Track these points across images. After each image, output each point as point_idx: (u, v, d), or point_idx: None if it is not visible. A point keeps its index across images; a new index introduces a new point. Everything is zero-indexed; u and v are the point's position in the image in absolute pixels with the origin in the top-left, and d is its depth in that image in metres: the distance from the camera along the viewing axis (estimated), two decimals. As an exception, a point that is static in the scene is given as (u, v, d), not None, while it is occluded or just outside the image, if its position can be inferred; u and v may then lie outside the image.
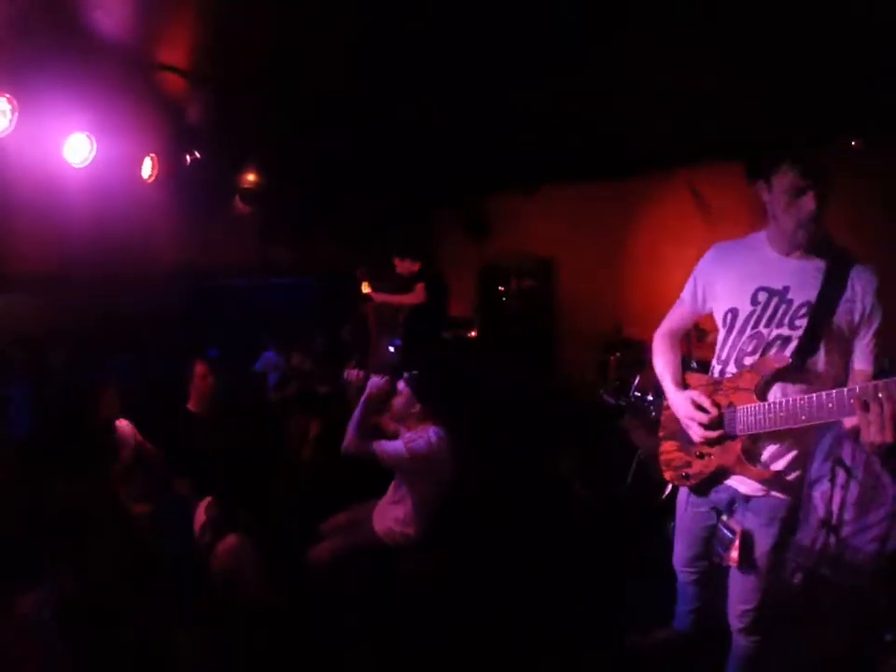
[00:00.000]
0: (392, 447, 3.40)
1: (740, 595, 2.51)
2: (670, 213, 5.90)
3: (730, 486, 2.43)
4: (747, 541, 2.43)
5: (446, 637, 3.23)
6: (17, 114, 3.41)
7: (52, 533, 2.82)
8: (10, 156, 3.52)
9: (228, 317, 5.57)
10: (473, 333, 6.90)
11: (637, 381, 5.33)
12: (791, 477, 2.32)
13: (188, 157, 4.92)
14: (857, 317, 2.17)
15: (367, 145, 5.44)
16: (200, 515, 3.62)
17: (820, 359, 2.19)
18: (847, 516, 3.82)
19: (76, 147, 4.05)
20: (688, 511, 2.71)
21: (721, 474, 2.41)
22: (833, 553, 3.77)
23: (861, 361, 2.21)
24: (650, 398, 5.10)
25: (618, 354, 5.84)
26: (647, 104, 4.45)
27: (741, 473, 2.31)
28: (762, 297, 2.25)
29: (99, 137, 4.14)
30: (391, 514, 3.57)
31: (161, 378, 4.81)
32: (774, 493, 2.34)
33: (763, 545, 2.41)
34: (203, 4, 3.58)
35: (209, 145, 4.99)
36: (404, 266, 5.76)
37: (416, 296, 5.64)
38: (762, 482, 2.32)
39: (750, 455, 2.29)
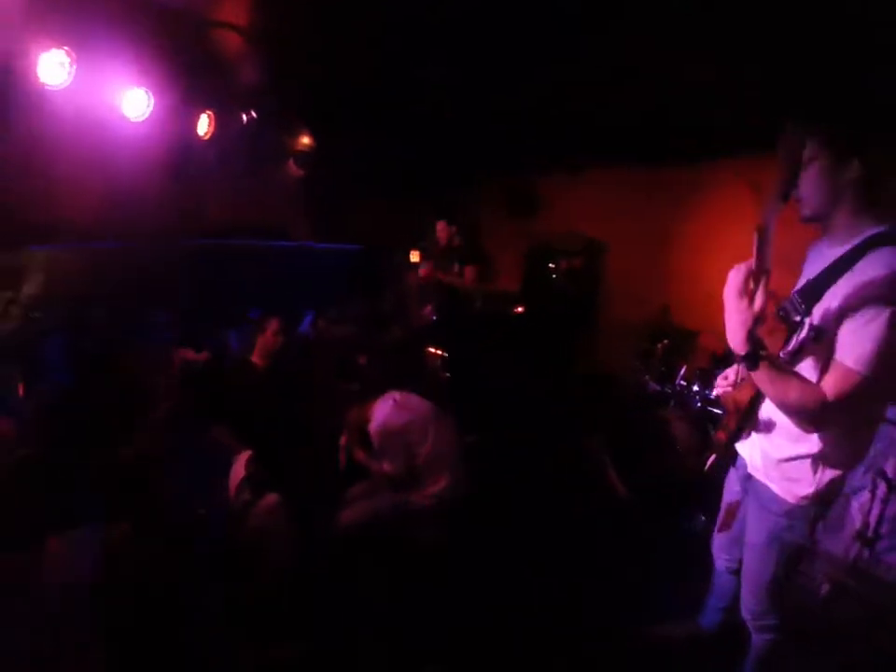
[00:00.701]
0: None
1: (748, 587, 2.42)
2: (721, 202, 5.71)
3: (743, 460, 2.39)
4: (730, 512, 2.40)
5: (464, 612, 3.24)
6: (75, 66, 3.47)
7: (97, 484, 2.93)
8: (67, 107, 3.57)
9: (273, 279, 5.63)
10: (519, 309, 6.85)
11: (683, 370, 5.21)
12: (801, 478, 2.15)
13: (244, 116, 4.95)
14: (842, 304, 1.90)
15: (418, 115, 5.39)
16: (238, 470, 3.70)
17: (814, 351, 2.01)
18: (884, 530, 3.70)
19: (133, 102, 4.10)
20: (726, 486, 2.62)
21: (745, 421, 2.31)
22: (865, 567, 3.66)
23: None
24: (695, 388, 4.99)
25: (665, 341, 5.71)
26: (698, 92, 4.31)
27: None
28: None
29: (156, 92, 4.19)
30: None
31: (206, 333, 4.93)
32: (773, 485, 2.23)
33: (757, 533, 2.31)
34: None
35: (265, 105, 5.01)
36: (444, 230, 5.77)
37: (467, 279, 5.68)
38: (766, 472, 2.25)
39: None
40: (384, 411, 3.58)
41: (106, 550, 2.63)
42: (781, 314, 2.05)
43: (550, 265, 6.96)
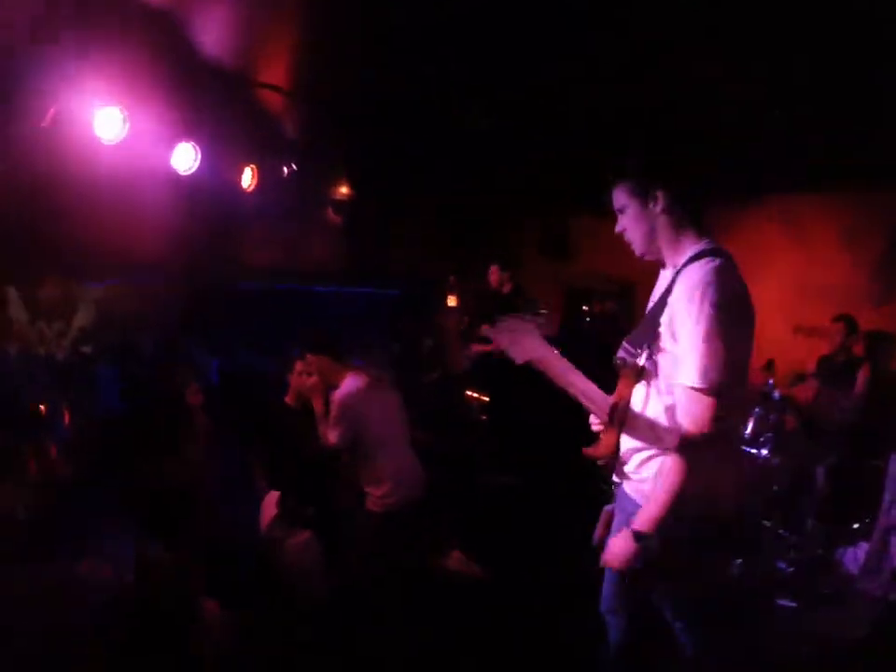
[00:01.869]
0: None
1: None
2: (756, 242, 5.74)
3: None
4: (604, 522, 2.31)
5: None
6: (128, 123, 3.80)
7: (138, 505, 3.07)
8: (122, 160, 3.90)
9: (311, 320, 5.87)
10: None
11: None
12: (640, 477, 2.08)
13: (285, 168, 5.28)
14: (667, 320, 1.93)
15: (453, 161, 5.65)
16: (269, 507, 3.81)
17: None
18: (924, 570, 3.59)
19: (182, 155, 4.44)
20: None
21: None
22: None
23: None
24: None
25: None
26: (734, 132, 4.42)
27: None
28: None
29: (203, 147, 4.52)
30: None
31: (247, 373, 5.16)
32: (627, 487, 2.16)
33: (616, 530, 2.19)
34: (300, 28, 3.92)
35: (305, 157, 5.33)
36: (495, 274, 5.84)
37: None
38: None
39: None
40: (354, 384, 3.56)
41: (140, 568, 2.74)
42: (619, 363, 2.15)
43: (583, 307, 7.03)
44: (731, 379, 1.79)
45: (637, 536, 1.91)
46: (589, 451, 2.23)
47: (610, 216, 2.17)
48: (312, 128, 5.05)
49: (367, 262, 6.24)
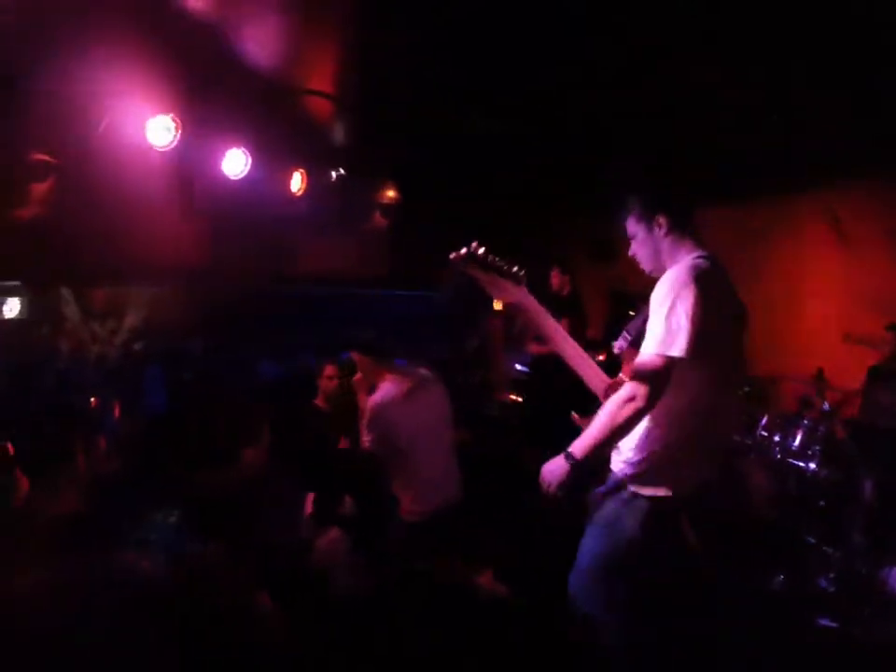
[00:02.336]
0: None
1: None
2: (803, 238, 5.54)
3: None
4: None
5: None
6: (180, 131, 3.95)
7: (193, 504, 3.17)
8: (174, 167, 4.06)
9: (358, 323, 5.96)
10: (601, 357, 6.78)
11: (764, 420, 5.02)
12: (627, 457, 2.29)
13: (333, 173, 5.38)
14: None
15: (500, 166, 5.65)
16: (307, 507, 3.89)
17: None
18: None
19: (232, 161, 4.59)
20: None
21: None
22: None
23: None
24: (776, 438, 4.79)
25: (746, 388, 5.52)
26: (777, 124, 4.31)
27: None
28: None
29: (253, 153, 4.66)
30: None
31: (290, 376, 5.28)
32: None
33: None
34: (347, 36, 4.00)
35: (353, 162, 5.42)
36: (557, 277, 5.83)
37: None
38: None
39: None
40: (388, 391, 3.56)
41: (198, 567, 2.81)
42: (617, 350, 2.48)
43: (629, 312, 6.90)
44: (681, 354, 2.00)
45: (569, 456, 2.13)
46: (582, 421, 2.46)
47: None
48: (359, 133, 5.12)
49: (414, 266, 6.28)
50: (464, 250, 2.28)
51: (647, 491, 2.24)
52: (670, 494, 2.22)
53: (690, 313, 2.01)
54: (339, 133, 5.20)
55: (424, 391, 3.68)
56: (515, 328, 6.33)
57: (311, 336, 5.55)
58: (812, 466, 4.07)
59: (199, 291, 4.78)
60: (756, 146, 4.69)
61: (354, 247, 5.95)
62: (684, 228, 2.30)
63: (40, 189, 3.38)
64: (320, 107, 4.76)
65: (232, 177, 4.60)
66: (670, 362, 2.01)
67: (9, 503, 2.70)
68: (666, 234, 2.28)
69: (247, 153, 4.62)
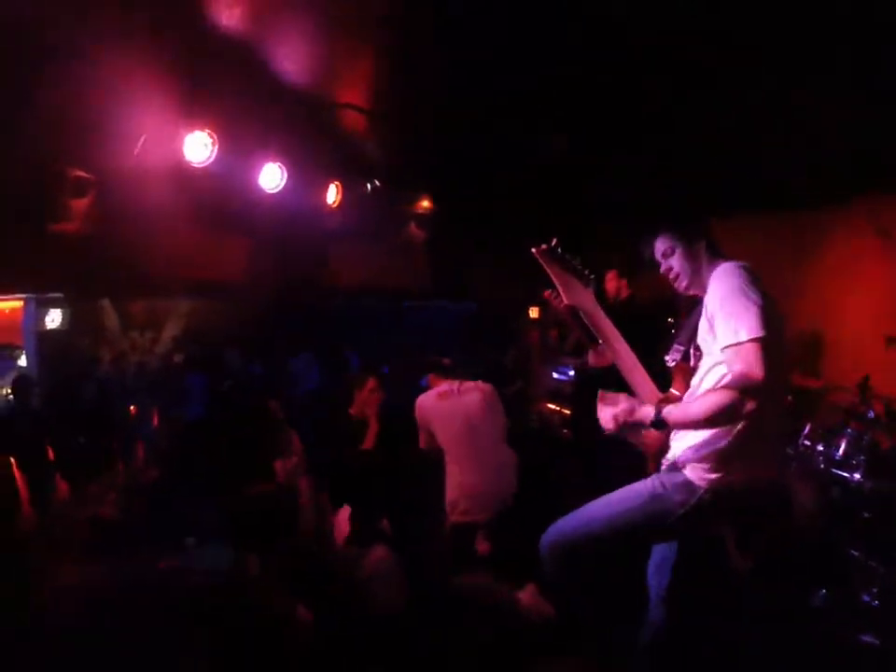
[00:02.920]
0: None
1: None
2: (845, 248, 5.37)
3: None
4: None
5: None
6: (217, 146, 4.05)
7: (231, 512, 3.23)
8: (211, 181, 4.16)
9: (398, 335, 6.02)
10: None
11: (807, 429, 4.87)
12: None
13: (368, 185, 5.44)
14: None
15: (533, 176, 5.64)
16: (342, 524, 3.91)
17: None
18: None
19: (268, 175, 4.68)
20: None
21: None
22: None
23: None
24: (819, 447, 4.65)
25: (788, 398, 5.37)
26: (819, 131, 4.21)
27: None
28: None
29: (289, 166, 4.74)
30: None
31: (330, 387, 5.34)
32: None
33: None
34: (380, 49, 4.05)
35: (387, 174, 5.47)
36: (613, 280, 5.74)
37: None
38: None
39: None
40: (425, 394, 4.02)
41: (234, 575, 2.85)
42: (671, 362, 2.52)
43: (669, 320, 6.78)
44: (766, 332, 1.99)
45: (658, 415, 2.17)
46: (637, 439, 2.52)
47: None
48: (393, 144, 5.17)
49: (451, 277, 6.30)
50: (544, 245, 2.36)
51: (702, 478, 2.23)
52: (726, 484, 2.21)
53: (753, 296, 2.07)
54: (373, 145, 5.25)
55: (459, 395, 4.02)
56: (551, 338, 6.28)
57: (350, 347, 5.63)
58: (857, 476, 3.92)
59: (239, 303, 4.88)
60: (797, 154, 4.58)
61: (392, 259, 5.99)
62: (714, 241, 2.42)
63: (80, 204, 3.51)
64: (354, 120, 4.83)
65: (269, 191, 4.71)
66: (759, 343, 1.99)
67: (49, 507, 2.81)
68: (704, 248, 2.37)
69: (283, 167, 4.72)
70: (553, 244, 2.37)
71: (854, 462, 3.99)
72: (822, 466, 4.45)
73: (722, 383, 2.11)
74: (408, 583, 3.47)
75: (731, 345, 2.04)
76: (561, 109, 4.55)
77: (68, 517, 2.68)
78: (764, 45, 3.42)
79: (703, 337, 2.24)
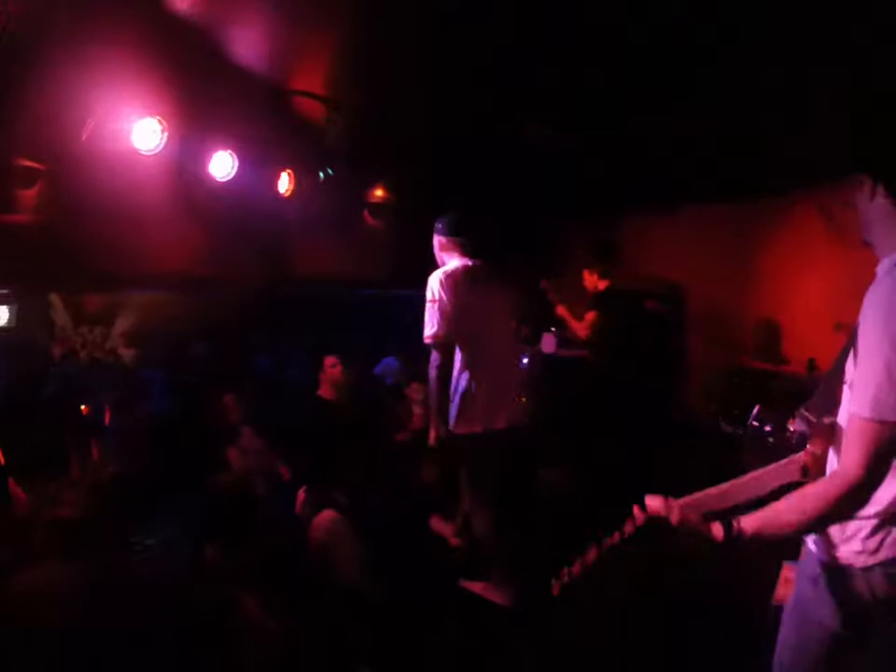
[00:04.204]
0: None
1: None
2: (800, 238, 5.57)
3: None
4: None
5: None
6: (167, 133, 3.92)
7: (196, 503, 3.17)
8: (161, 170, 4.03)
9: (353, 324, 5.96)
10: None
11: (756, 410, 5.05)
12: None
13: (321, 174, 5.35)
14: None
15: (496, 163, 5.63)
16: (300, 498, 3.90)
17: None
18: None
19: (219, 163, 4.54)
20: None
21: None
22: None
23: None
24: (767, 428, 4.82)
25: (744, 382, 5.56)
26: (773, 122, 4.32)
27: None
28: None
29: (240, 154, 4.62)
30: None
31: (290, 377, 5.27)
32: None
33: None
34: (339, 38, 3.98)
35: (342, 162, 5.39)
36: (592, 280, 5.79)
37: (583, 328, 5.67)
38: None
39: None
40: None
41: (203, 562, 2.80)
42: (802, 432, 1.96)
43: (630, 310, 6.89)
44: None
45: (730, 526, 1.58)
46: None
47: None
48: (349, 133, 5.10)
49: (411, 267, 6.24)
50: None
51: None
52: None
53: None
54: (328, 134, 5.16)
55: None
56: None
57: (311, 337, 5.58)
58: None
59: (199, 295, 4.76)
60: (743, 146, 4.71)
61: (350, 248, 5.90)
62: None
63: (27, 195, 3.37)
64: (309, 108, 4.74)
65: (219, 179, 4.58)
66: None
67: (8, 512, 2.70)
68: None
69: (234, 155, 4.60)
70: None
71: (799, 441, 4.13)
72: (770, 446, 4.63)
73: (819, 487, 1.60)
74: (362, 553, 3.46)
75: (856, 414, 1.54)
76: (523, 102, 4.57)
77: (30, 520, 2.59)
78: (720, 39, 3.47)
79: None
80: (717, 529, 1.58)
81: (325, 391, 4.53)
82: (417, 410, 5.15)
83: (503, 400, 3.78)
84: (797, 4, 2.97)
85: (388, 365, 6.28)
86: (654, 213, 6.62)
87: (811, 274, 5.48)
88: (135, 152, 3.76)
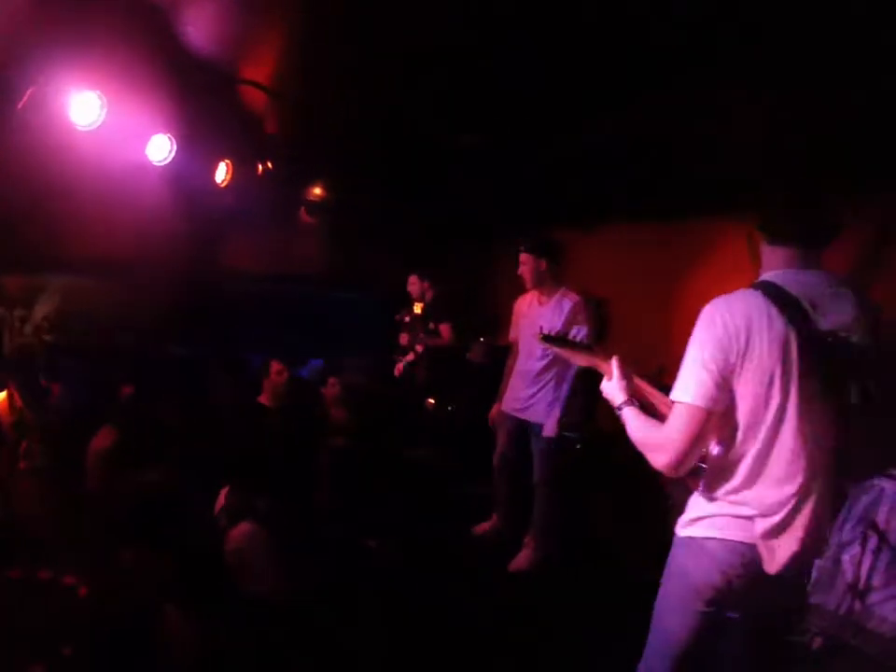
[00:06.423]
0: None
1: None
2: (722, 259, 5.80)
3: None
4: None
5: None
6: (105, 110, 3.72)
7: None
8: (97, 147, 3.82)
9: (280, 321, 5.82)
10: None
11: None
12: None
13: (260, 166, 5.22)
14: None
15: (430, 169, 5.65)
16: (220, 500, 3.76)
17: None
18: (876, 582, 3.65)
19: (157, 146, 4.38)
20: None
21: None
22: (858, 620, 3.59)
23: None
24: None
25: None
26: (706, 145, 4.49)
27: None
28: None
29: (179, 139, 4.45)
30: None
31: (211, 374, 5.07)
32: None
33: None
34: (287, 27, 3.89)
35: (281, 156, 5.28)
36: (415, 284, 5.93)
37: (443, 339, 5.80)
38: None
39: None
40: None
41: (108, 575, 2.66)
42: None
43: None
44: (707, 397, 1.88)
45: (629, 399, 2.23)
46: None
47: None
48: (292, 128, 5.00)
49: (348, 267, 6.17)
50: (541, 334, 2.57)
51: None
52: None
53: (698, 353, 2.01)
54: (270, 126, 5.05)
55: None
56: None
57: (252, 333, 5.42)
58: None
59: (123, 281, 4.52)
60: (671, 168, 4.88)
61: (287, 245, 5.78)
62: None
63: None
64: (253, 98, 4.62)
65: (156, 163, 4.40)
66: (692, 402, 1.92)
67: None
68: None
69: (173, 139, 4.43)
70: (545, 333, 2.57)
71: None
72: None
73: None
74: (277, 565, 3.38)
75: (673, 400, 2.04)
76: (454, 109, 4.58)
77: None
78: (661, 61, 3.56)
79: None
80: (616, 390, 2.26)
81: (265, 398, 4.33)
82: (336, 412, 5.10)
83: None
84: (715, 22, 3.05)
85: (314, 367, 6.20)
86: (579, 230, 6.77)
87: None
88: (71, 127, 3.55)
